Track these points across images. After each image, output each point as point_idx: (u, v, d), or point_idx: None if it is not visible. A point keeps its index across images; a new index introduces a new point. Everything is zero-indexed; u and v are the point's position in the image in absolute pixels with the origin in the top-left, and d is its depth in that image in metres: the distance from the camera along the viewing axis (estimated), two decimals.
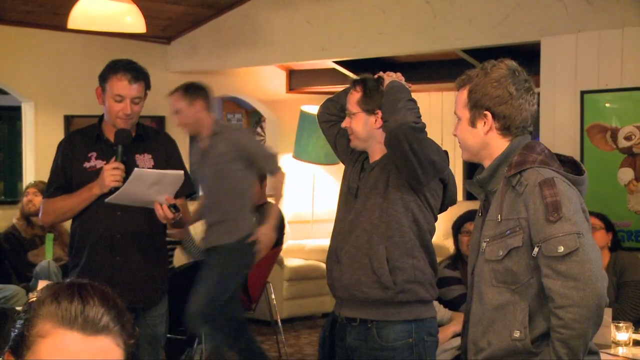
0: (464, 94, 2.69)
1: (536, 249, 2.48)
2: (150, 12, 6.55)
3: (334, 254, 3.54)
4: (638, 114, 5.48)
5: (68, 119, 7.73)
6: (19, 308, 3.22)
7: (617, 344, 3.90)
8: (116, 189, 3.74)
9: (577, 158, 5.68)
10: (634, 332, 3.98)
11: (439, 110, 8.94)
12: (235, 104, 11.10)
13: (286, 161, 9.32)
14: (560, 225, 2.44)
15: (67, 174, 3.96)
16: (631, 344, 3.92)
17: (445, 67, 7.79)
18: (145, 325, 3.94)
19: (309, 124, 8.61)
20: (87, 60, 7.78)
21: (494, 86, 2.62)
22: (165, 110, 8.24)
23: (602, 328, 3.88)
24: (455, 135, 2.80)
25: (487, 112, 2.63)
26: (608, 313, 3.99)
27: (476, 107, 2.65)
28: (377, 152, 3.50)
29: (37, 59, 7.54)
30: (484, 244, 2.62)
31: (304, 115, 8.66)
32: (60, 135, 7.63)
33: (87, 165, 3.96)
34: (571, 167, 2.68)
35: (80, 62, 7.75)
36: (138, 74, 3.95)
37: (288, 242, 9.06)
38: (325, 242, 9.51)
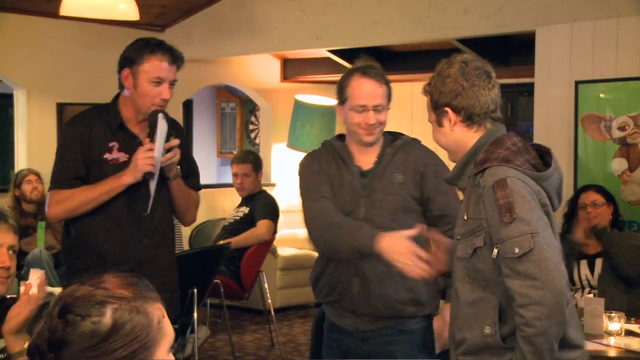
0: (428, 98, 2.76)
1: (495, 250, 2.52)
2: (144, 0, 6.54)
3: (349, 267, 3.33)
4: (632, 104, 5.49)
5: (61, 107, 7.72)
6: (10, 296, 3.20)
7: (609, 333, 3.92)
8: (148, 175, 3.41)
9: (572, 148, 5.74)
10: (625, 322, 4.00)
11: None
12: (229, 92, 11.11)
13: (280, 150, 9.35)
14: (515, 226, 2.46)
15: (85, 163, 3.53)
16: (623, 333, 3.94)
17: (441, 56, 7.65)
18: None
19: (303, 113, 8.61)
20: (80, 48, 7.79)
21: (447, 82, 2.67)
22: None
23: (594, 318, 3.95)
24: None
25: (447, 109, 2.68)
26: (600, 303, 4.01)
27: (437, 107, 2.71)
28: (375, 150, 3.43)
29: (30, 46, 7.52)
30: (457, 242, 2.68)
31: (298, 105, 8.66)
32: (52, 123, 7.65)
33: (108, 156, 3.54)
34: (543, 160, 2.68)
35: (73, 50, 7.75)
36: (177, 55, 3.56)
37: (281, 232, 9.08)
38: None
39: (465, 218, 2.63)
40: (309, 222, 3.42)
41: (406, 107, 9.13)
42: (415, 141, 3.51)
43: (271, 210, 6.81)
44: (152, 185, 3.45)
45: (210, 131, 11.19)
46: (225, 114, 11.46)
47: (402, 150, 3.42)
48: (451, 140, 2.72)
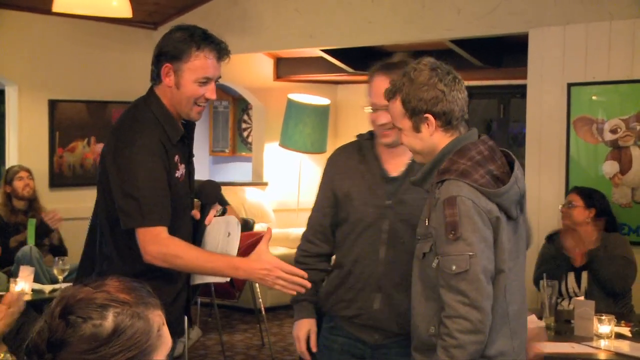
0: (397, 105, 2.72)
1: (436, 261, 2.62)
2: None
3: (371, 281, 3.16)
4: (624, 107, 5.50)
5: (53, 104, 7.71)
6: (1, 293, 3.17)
7: (599, 336, 3.94)
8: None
9: (563, 150, 5.76)
10: (615, 325, 4.01)
11: None
12: (222, 91, 11.07)
13: (273, 149, 9.35)
14: (456, 245, 2.56)
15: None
16: (613, 336, 3.95)
17: (433, 57, 7.76)
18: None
19: (295, 112, 8.61)
20: (72, 45, 7.77)
21: (425, 90, 2.65)
22: None
23: (584, 321, 3.96)
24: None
25: (427, 115, 2.67)
26: (591, 306, 4.02)
27: (415, 113, 2.68)
28: (405, 155, 3.15)
29: (22, 42, 7.51)
30: (417, 241, 2.76)
31: (291, 104, 8.66)
32: (44, 120, 7.63)
33: (177, 174, 3.08)
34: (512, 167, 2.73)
35: (66, 46, 7.73)
36: (224, 50, 3.15)
37: (273, 231, 9.07)
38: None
39: (426, 223, 2.69)
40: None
41: None
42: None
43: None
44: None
45: (202, 130, 11.16)
46: (217, 113, 11.44)
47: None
48: (428, 145, 2.72)
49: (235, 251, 3.19)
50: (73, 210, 7.03)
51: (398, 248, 3.10)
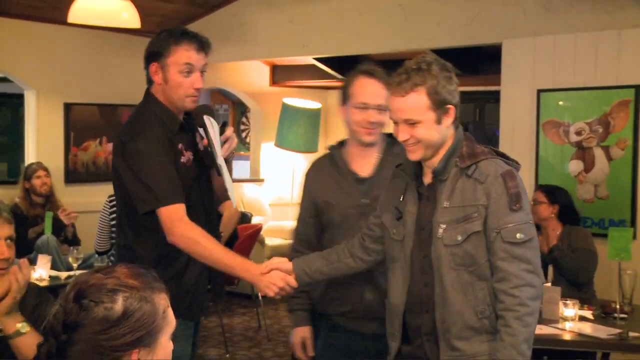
0: (419, 98, 2.49)
1: (494, 234, 2.47)
2: (145, 9, 6.53)
3: (360, 276, 3.05)
4: (588, 111, 5.53)
5: (67, 106, 7.70)
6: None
7: (565, 319, 3.97)
8: (218, 170, 3.04)
9: (533, 150, 5.79)
10: (579, 309, 4.05)
11: None
12: (222, 95, 11.10)
13: (269, 149, 9.36)
14: (519, 215, 2.46)
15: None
16: (577, 319, 3.98)
17: None
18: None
19: (290, 115, 8.62)
20: (85, 52, 7.77)
21: (449, 81, 2.53)
22: None
23: (551, 305, 3.99)
24: (407, 139, 2.55)
25: (450, 107, 2.53)
26: (557, 291, 4.05)
27: (441, 105, 2.51)
28: (371, 156, 3.17)
29: (39, 50, 7.50)
30: (440, 230, 2.53)
31: (285, 107, 8.67)
32: (60, 121, 7.64)
33: (183, 159, 3.08)
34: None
35: (80, 54, 7.73)
36: (203, 41, 3.11)
37: (269, 223, 9.10)
38: None
39: (453, 206, 2.53)
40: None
41: None
42: None
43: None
44: (227, 178, 3.07)
45: None
46: (218, 115, 11.45)
47: (401, 158, 3.03)
48: (443, 137, 2.57)
49: (218, 139, 3.06)
50: (86, 203, 7.05)
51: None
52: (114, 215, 5.74)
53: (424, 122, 2.52)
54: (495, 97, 7.08)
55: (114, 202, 5.69)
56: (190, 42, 3.05)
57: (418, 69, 2.52)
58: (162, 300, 1.66)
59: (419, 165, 2.67)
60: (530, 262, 2.45)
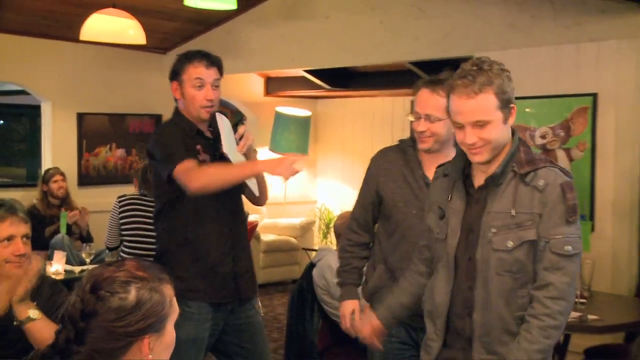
0: (489, 98, 2.25)
1: (543, 243, 2.25)
2: (150, 27, 6.55)
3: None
4: (551, 117, 5.56)
5: (80, 116, 7.72)
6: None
7: None
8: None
9: None
10: None
11: (390, 113, 9.00)
12: (220, 105, 11.10)
13: (263, 153, 9.36)
14: (572, 227, 2.26)
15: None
16: None
17: (395, 76, 7.85)
18: (246, 317, 3.35)
19: (282, 122, 8.50)
20: (96, 67, 7.78)
21: (509, 81, 2.30)
22: (162, 109, 8.27)
23: None
24: (475, 141, 2.28)
25: (513, 106, 2.31)
26: None
27: (507, 104, 2.28)
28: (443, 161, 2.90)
29: (54, 65, 7.52)
30: (490, 234, 2.29)
31: (278, 115, 8.54)
32: (73, 129, 7.66)
33: (200, 158, 3.22)
34: None
35: (91, 68, 7.75)
36: (212, 59, 3.32)
37: (264, 221, 9.12)
38: (295, 221, 9.56)
39: (512, 213, 2.28)
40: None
41: (367, 118, 9.19)
42: None
43: None
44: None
45: None
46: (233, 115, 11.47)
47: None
48: (507, 138, 2.34)
49: (232, 135, 3.26)
50: (97, 204, 7.07)
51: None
52: (123, 214, 5.76)
53: (493, 122, 2.27)
54: None
55: (123, 202, 5.72)
56: (200, 60, 3.24)
57: (480, 69, 2.27)
58: (169, 290, 1.69)
59: (468, 166, 2.44)
60: (571, 277, 2.26)
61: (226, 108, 11.03)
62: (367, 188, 3.15)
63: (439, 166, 2.61)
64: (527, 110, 5.73)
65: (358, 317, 3.08)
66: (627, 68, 5.18)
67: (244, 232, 3.43)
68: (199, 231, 3.21)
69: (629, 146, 5.15)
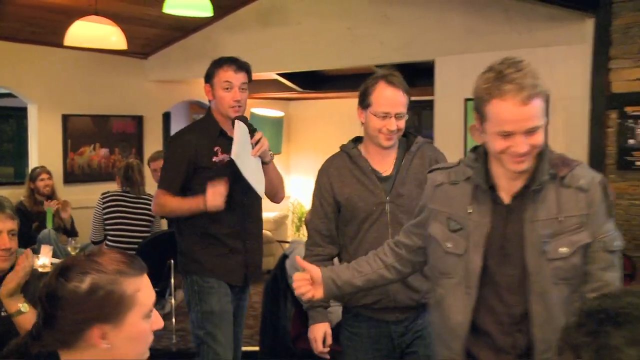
0: (540, 102, 1.98)
1: (597, 243, 2.03)
2: (131, 33, 6.52)
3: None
4: None
5: (65, 117, 7.65)
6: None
7: None
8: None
9: (462, 150, 5.83)
10: None
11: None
12: (199, 106, 11.06)
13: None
14: (612, 223, 2.07)
15: (189, 174, 3.44)
16: None
17: (362, 79, 7.81)
18: (240, 299, 3.64)
19: (257, 123, 8.45)
20: (80, 71, 7.72)
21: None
22: (143, 110, 8.23)
23: None
24: (528, 150, 1.98)
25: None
26: None
27: (547, 109, 2.02)
28: (389, 156, 2.92)
29: (40, 69, 7.44)
30: (542, 244, 2.02)
31: (253, 116, 8.67)
32: (58, 130, 7.59)
33: (216, 159, 3.46)
34: None
35: (75, 72, 7.68)
36: (241, 63, 3.47)
37: None
38: (270, 215, 9.52)
39: (545, 218, 2.03)
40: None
41: (336, 118, 9.22)
42: (427, 142, 3.00)
43: None
44: (244, 171, 3.33)
45: None
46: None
47: (417, 155, 2.92)
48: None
49: (249, 146, 3.37)
50: (82, 200, 7.03)
51: None
52: (106, 210, 5.73)
53: (542, 127, 1.99)
54: (430, 105, 7.15)
55: (106, 199, 5.69)
56: (229, 65, 3.43)
57: (523, 71, 1.98)
58: (132, 285, 1.63)
59: (490, 175, 2.12)
60: (621, 271, 2.06)
61: (204, 109, 10.99)
62: (324, 198, 2.94)
63: (431, 171, 2.32)
64: None
65: (330, 340, 2.91)
66: (575, 71, 5.25)
67: (257, 226, 3.62)
68: (214, 224, 3.44)
69: (578, 143, 5.23)
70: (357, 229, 2.88)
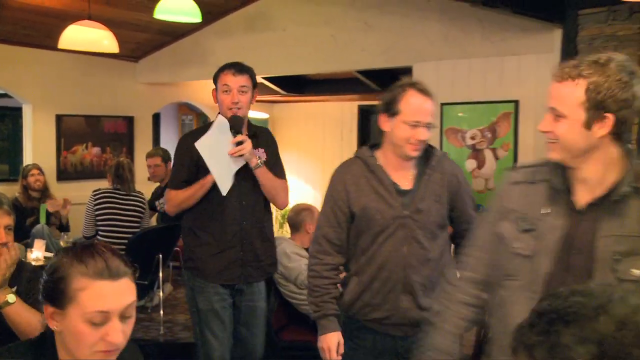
0: (577, 90, 1.76)
1: None
2: (123, 37, 6.49)
3: (397, 284, 2.67)
4: (480, 120, 5.64)
5: (59, 117, 7.61)
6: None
7: None
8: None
9: None
10: None
11: (340, 116, 9.05)
12: (187, 108, 11.05)
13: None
14: None
15: (191, 170, 3.44)
16: None
17: (344, 83, 7.90)
18: (249, 300, 3.53)
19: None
20: (73, 73, 7.68)
21: (621, 88, 1.73)
22: (134, 111, 8.21)
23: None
24: (547, 132, 1.86)
25: (609, 115, 1.75)
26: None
27: (597, 108, 1.74)
28: (409, 169, 2.73)
29: (35, 71, 7.40)
30: (613, 261, 1.76)
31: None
32: (52, 130, 7.55)
33: None
34: None
35: (68, 74, 7.64)
36: (241, 67, 3.46)
37: None
38: None
39: (621, 233, 1.77)
40: (313, 242, 2.82)
41: (319, 121, 9.23)
42: (445, 156, 2.80)
43: None
44: (211, 168, 3.38)
45: (173, 138, 11.08)
46: (184, 124, 11.39)
47: (438, 170, 2.71)
48: (589, 145, 1.79)
49: (228, 145, 3.34)
50: (75, 197, 6.99)
51: (419, 252, 2.64)
52: (97, 207, 5.71)
53: (569, 118, 1.79)
54: None
55: (98, 196, 5.67)
56: (229, 69, 3.44)
57: (594, 61, 1.77)
58: (80, 282, 1.59)
59: (567, 177, 1.90)
60: None
61: (192, 110, 10.97)
62: (337, 207, 2.73)
63: (512, 168, 2.08)
64: (459, 114, 5.81)
65: (342, 350, 2.73)
66: (544, 78, 5.28)
67: (257, 225, 3.52)
68: (209, 223, 3.45)
69: (546, 146, 5.27)
70: (370, 242, 2.68)
